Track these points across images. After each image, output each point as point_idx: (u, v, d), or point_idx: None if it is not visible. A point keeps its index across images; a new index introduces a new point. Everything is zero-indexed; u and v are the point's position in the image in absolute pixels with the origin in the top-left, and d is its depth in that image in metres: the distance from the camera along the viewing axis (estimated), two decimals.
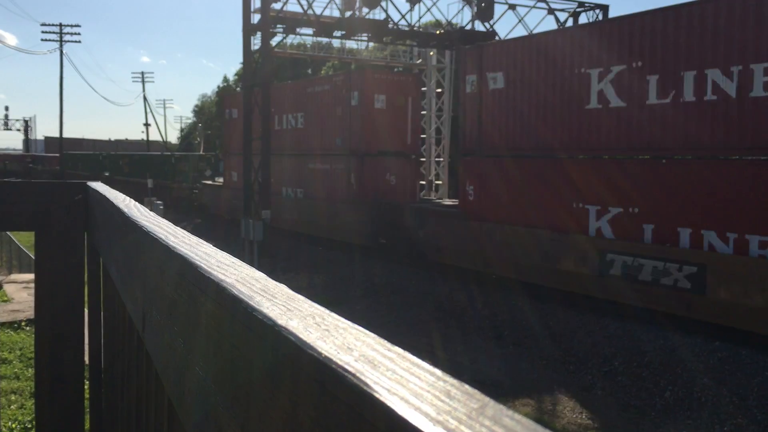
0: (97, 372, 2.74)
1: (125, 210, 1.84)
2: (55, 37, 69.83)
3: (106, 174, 55.09)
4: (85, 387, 2.96)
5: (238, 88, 69.07)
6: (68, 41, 70.53)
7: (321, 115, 26.78)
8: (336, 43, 37.77)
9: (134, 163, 53.48)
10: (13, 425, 6.42)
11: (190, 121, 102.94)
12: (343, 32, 27.05)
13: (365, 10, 26.60)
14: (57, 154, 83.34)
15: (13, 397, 7.16)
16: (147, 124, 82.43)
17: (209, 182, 39.54)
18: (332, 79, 27.16)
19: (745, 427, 10.75)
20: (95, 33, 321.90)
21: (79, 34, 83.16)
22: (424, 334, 16.05)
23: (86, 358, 2.87)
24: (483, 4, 27.42)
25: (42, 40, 72.52)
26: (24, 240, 21.19)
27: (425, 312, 17.80)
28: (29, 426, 6.24)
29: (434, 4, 28.38)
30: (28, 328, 9.78)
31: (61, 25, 69.89)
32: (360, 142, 24.64)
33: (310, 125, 27.70)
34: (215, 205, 36.82)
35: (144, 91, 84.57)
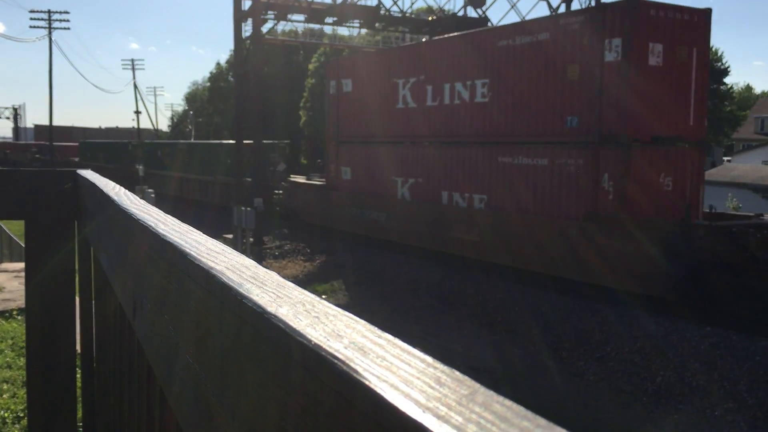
0: (89, 361, 2.74)
1: (115, 198, 1.83)
2: (44, 24, 69.33)
3: (140, 167, 45.32)
4: (77, 376, 2.95)
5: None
6: (57, 28, 70.03)
7: (529, 80, 17.42)
8: (327, 29, 37.67)
9: (178, 154, 41.90)
10: (5, 414, 6.41)
11: (180, 108, 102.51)
12: (335, 18, 26.96)
13: None
14: (71, 143, 78.04)
15: (5, 386, 7.15)
16: (138, 112, 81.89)
17: (300, 179, 30.20)
18: (558, 22, 17.14)
19: (736, 412, 10.85)
20: (83, 19, 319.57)
21: (68, 20, 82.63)
22: (416, 321, 16.12)
23: (78, 347, 2.87)
24: None
25: (30, 27, 72.19)
26: (15, 229, 21.11)
27: (417, 298, 17.85)
28: (21, 415, 6.24)
29: None
30: (19, 318, 9.75)
31: (49, 11, 69.35)
32: (621, 123, 15.50)
33: (502, 98, 18.26)
34: (311, 212, 27.05)
35: (134, 78, 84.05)
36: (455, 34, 21.91)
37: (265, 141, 35.52)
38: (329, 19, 27.06)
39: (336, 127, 26.10)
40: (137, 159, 47.43)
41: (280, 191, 30.19)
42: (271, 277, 0.85)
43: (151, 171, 43.16)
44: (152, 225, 1.31)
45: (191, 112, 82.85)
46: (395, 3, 27.26)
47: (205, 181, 36.65)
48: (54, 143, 77.34)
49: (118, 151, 53.08)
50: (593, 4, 28.86)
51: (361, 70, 24.61)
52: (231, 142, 34.11)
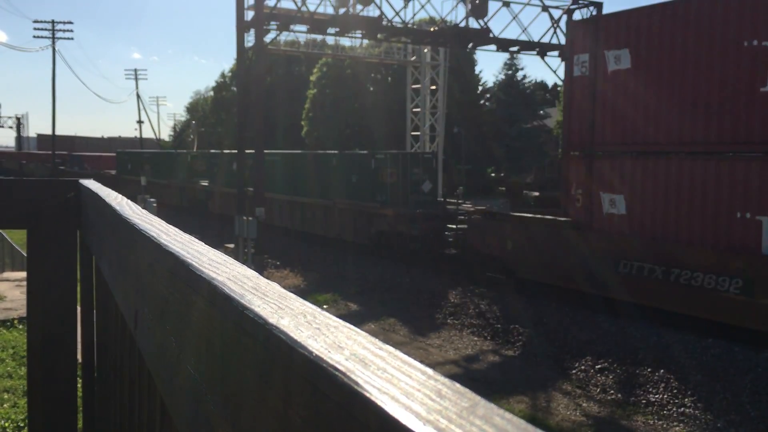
0: (90, 370, 2.73)
1: (117, 208, 1.83)
2: (48, 34, 69.51)
3: (204, 184, 36.09)
4: (78, 385, 2.95)
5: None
6: (60, 38, 70.25)
7: None
8: (330, 40, 37.84)
9: (268, 168, 26.69)
10: (6, 424, 6.40)
11: (182, 118, 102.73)
12: (337, 29, 27.04)
13: (359, 6, 26.59)
14: (105, 153, 65.07)
15: (5, 396, 7.14)
16: (140, 122, 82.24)
17: (509, 213, 19.98)
18: None
19: (738, 424, 10.80)
20: (86, 29, 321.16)
21: (71, 31, 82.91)
22: (417, 331, 16.07)
23: (79, 357, 2.87)
24: (477, 1, 27.45)
25: (34, 37, 72.33)
26: (17, 238, 21.12)
27: (418, 309, 17.82)
28: (22, 425, 6.22)
29: (428, 1, 28.47)
30: (20, 327, 9.74)
31: (53, 22, 69.56)
32: None
33: None
34: (537, 265, 17.41)
35: (137, 88, 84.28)
36: None
37: (409, 151, 27.31)
38: (331, 30, 27.14)
39: (589, 130, 16.95)
40: (199, 173, 37.60)
41: (458, 226, 20.95)
42: (272, 288, 0.85)
43: (226, 190, 31.89)
44: (154, 235, 1.31)
45: (193, 122, 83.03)
46: (397, 14, 27.35)
47: (324, 206, 25.80)
48: (83, 153, 67.75)
49: (172, 163, 41.18)
50: (594, 14, 28.96)
51: (658, 32, 15.42)
52: (362, 152, 26.25)
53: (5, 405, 6.87)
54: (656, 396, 11.97)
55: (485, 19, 27.89)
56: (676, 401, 11.69)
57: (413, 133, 38.66)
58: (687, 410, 11.40)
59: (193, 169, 38.75)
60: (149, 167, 44.78)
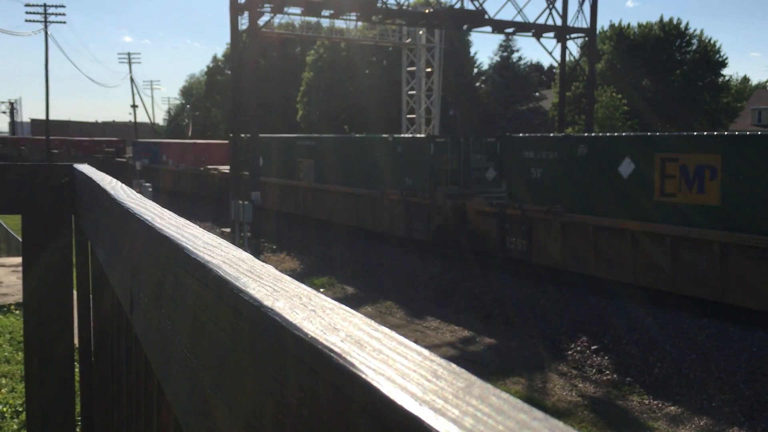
0: (87, 355, 2.74)
1: (111, 192, 1.82)
2: (40, 17, 68.98)
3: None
4: (75, 370, 2.95)
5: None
6: (53, 22, 69.78)
7: None
8: (324, 22, 37.60)
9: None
10: (4, 409, 6.42)
11: (177, 102, 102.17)
12: (332, 11, 26.87)
13: None
14: (201, 141, 41.07)
15: (3, 381, 7.15)
16: (134, 106, 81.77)
17: None
18: None
19: (733, 403, 10.88)
20: (78, 13, 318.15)
21: (63, 14, 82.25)
22: (413, 313, 16.13)
23: (76, 342, 2.87)
24: None
25: (26, 21, 71.66)
26: (12, 223, 21.08)
27: (415, 291, 17.87)
28: (20, 409, 6.24)
29: None
30: (17, 312, 9.75)
31: (45, 5, 69.02)
32: None
33: None
34: None
35: (131, 72, 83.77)
36: None
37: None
38: (326, 12, 26.98)
39: None
40: (452, 173, 20.94)
41: None
42: (267, 270, 0.85)
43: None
44: (149, 219, 1.30)
45: (188, 106, 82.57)
46: None
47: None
48: (160, 141, 46.73)
49: (367, 155, 23.17)
50: None
51: None
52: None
53: (3, 390, 6.88)
54: (651, 376, 12.05)
55: (480, 1, 27.74)
56: (671, 381, 11.78)
57: (409, 116, 38.59)
58: (682, 390, 11.48)
59: (437, 168, 20.74)
60: (311, 164, 26.17)
